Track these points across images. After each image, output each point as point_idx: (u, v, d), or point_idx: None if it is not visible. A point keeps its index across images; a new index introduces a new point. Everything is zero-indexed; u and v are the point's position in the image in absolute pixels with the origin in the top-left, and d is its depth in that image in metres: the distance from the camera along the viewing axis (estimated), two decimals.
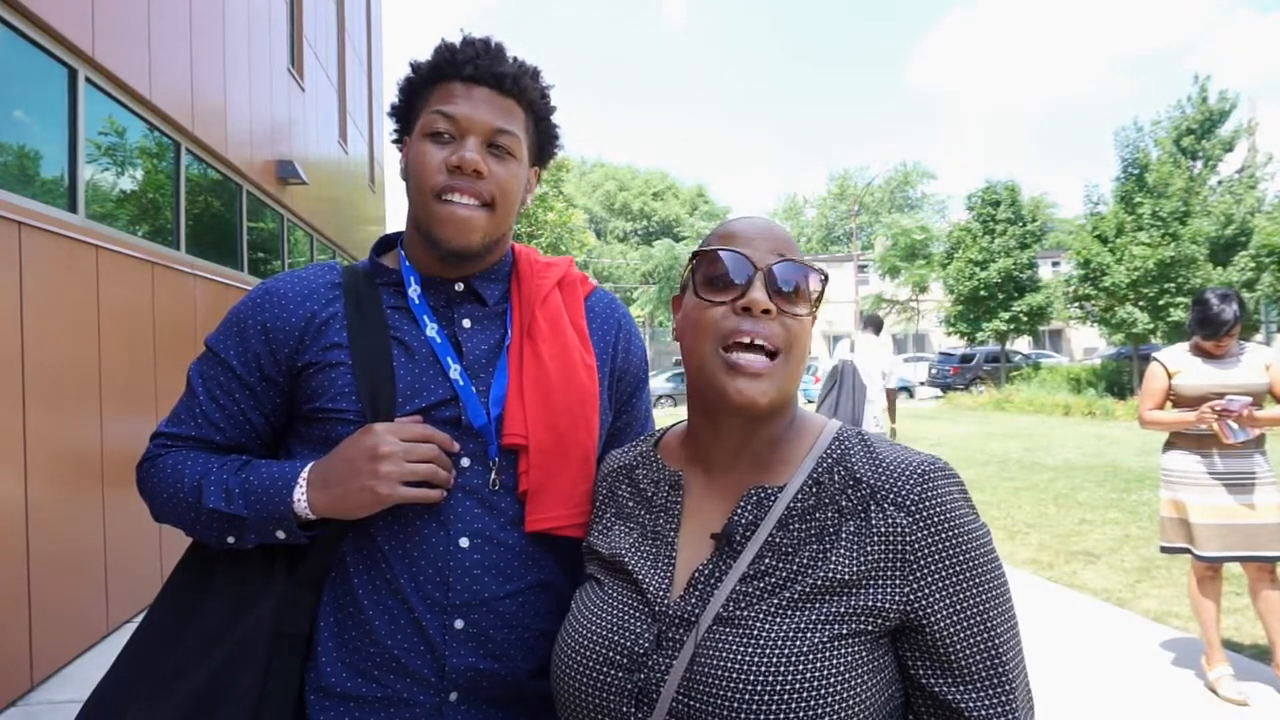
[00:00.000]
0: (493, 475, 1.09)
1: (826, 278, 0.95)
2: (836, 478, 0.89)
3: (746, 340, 0.88)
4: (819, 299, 0.94)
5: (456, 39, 1.14)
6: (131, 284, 4.94)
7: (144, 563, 4.98)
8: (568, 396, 1.13)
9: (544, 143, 1.21)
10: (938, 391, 27.78)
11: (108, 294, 4.58)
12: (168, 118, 5.50)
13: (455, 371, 1.10)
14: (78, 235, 4.29)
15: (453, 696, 1.05)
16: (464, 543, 1.06)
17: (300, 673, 1.06)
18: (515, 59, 1.14)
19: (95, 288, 4.47)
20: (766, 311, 0.88)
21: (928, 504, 0.85)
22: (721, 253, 0.92)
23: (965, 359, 27.84)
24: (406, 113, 1.16)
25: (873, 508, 0.86)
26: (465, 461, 1.08)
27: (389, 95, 1.22)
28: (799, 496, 0.89)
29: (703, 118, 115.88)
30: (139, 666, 1.07)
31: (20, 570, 3.73)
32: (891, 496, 0.85)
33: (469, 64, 1.09)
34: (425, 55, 1.14)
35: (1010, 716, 0.82)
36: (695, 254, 0.95)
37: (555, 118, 1.21)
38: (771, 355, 0.89)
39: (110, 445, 4.57)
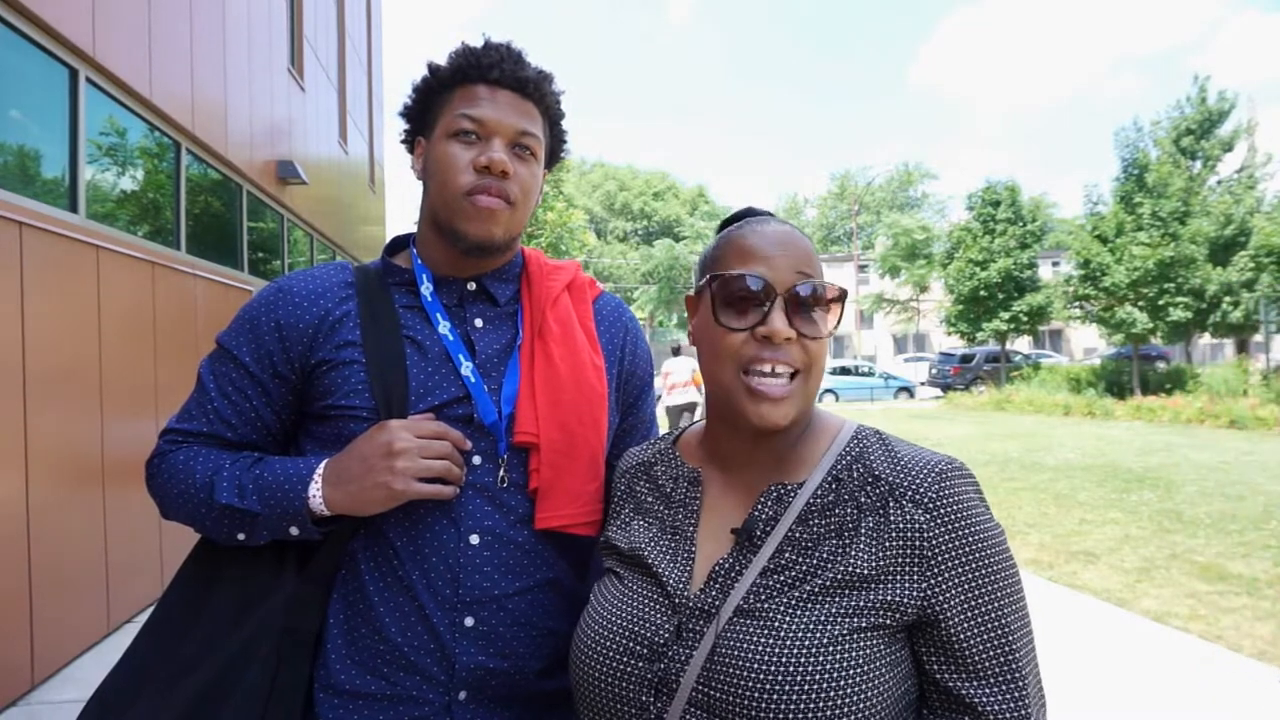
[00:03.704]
0: (501, 472, 1.10)
1: (845, 293, 0.95)
2: (855, 475, 0.90)
3: (767, 369, 0.89)
4: (839, 315, 0.94)
5: (474, 42, 1.15)
6: (132, 284, 4.94)
7: (145, 563, 4.98)
8: (578, 396, 1.14)
9: (555, 146, 1.23)
10: (938, 391, 27.79)
11: (108, 294, 4.58)
12: (168, 118, 5.50)
13: (467, 369, 1.10)
14: (78, 235, 4.29)
15: (462, 695, 1.06)
16: (474, 540, 1.07)
17: (309, 670, 1.06)
18: (534, 64, 1.16)
19: (96, 288, 4.46)
20: (787, 339, 0.89)
21: (945, 502, 0.86)
22: (739, 277, 0.91)
23: (965, 359, 27.83)
24: (422, 114, 1.17)
25: (891, 504, 0.87)
26: (476, 459, 1.09)
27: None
28: (818, 493, 0.90)
29: (704, 117, 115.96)
30: (147, 660, 1.07)
31: (21, 570, 3.73)
32: (910, 494, 0.87)
33: (494, 68, 1.11)
34: (441, 58, 1.15)
35: (1023, 711, 0.83)
36: (712, 275, 0.94)
37: (564, 123, 1.23)
38: (792, 374, 0.90)
39: (111, 445, 4.57)
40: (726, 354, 0.91)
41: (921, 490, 0.86)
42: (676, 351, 11.44)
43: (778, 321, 0.89)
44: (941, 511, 0.85)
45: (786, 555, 0.88)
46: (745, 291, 0.91)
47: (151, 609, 1.12)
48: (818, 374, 0.93)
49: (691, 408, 10.68)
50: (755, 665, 0.82)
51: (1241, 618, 4.54)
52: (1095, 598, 5.05)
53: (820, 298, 0.92)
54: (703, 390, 1.02)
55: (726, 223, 1.04)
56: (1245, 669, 3.81)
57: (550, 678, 1.10)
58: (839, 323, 0.94)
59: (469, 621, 1.05)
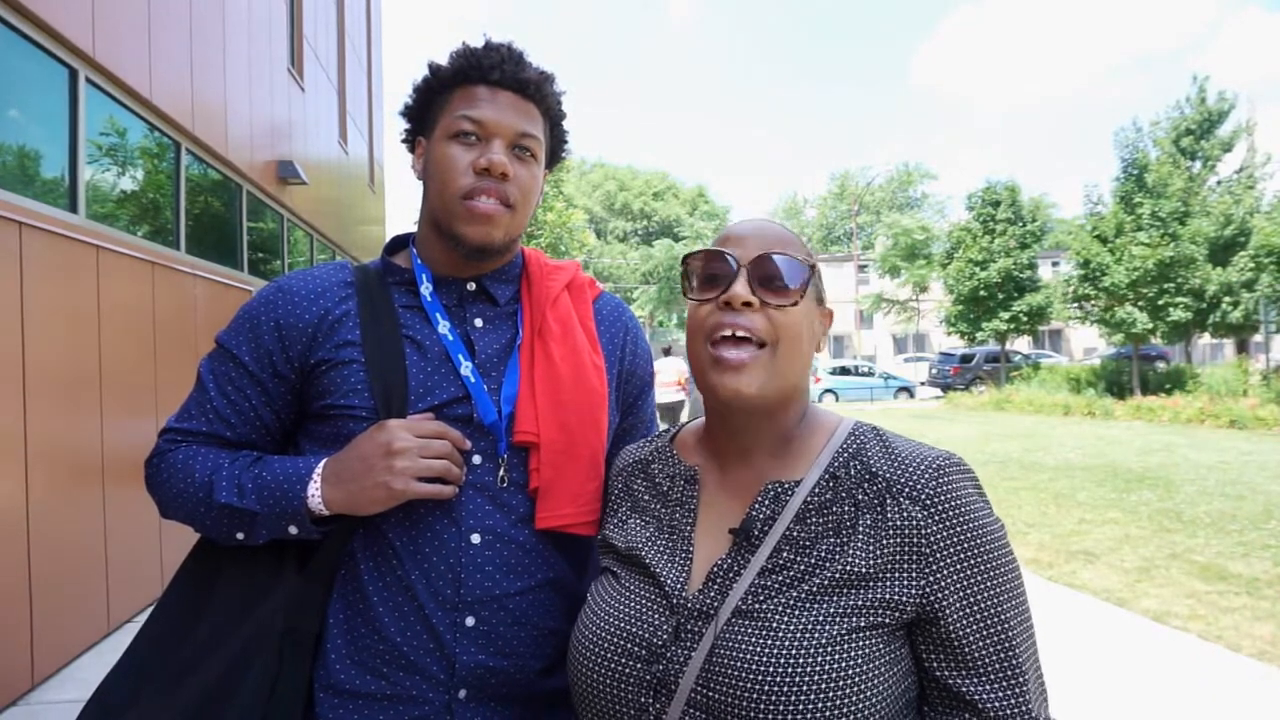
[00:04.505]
0: (501, 472, 1.10)
1: (814, 267, 0.95)
2: (853, 472, 0.90)
3: (730, 334, 0.90)
4: (806, 288, 0.94)
5: (475, 42, 1.15)
6: (132, 284, 4.94)
7: (145, 562, 4.98)
8: (578, 396, 1.14)
9: (555, 147, 1.23)
10: (938, 391, 27.80)
11: (108, 294, 4.58)
12: (168, 118, 5.50)
13: (467, 369, 1.10)
14: (78, 235, 4.29)
15: (462, 694, 1.06)
16: (475, 539, 1.07)
17: (310, 670, 1.06)
18: (535, 65, 1.16)
19: (95, 288, 4.47)
20: (748, 304, 0.90)
21: (943, 498, 0.86)
22: (708, 252, 0.95)
23: (965, 359, 27.84)
24: (422, 114, 1.17)
25: (889, 502, 0.86)
26: (476, 459, 1.09)
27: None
28: (816, 490, 0.90)
29: (704, 117, 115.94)
30: (147, 660, 1.07)
31: (21, 570, 3.73)
32: (907, 490, 0.86)
33: (495, 69, 1.11)
34: (443, 58, 1.16)
35: (1023, 708, 0.83)
36: (686, 256, 0.98)
37: (565, 123, 1.23)
38: (760, 346, 0.91)
39: (110, 445, 4.57)
40: (696, 325, 0.94)
41: (919, 487, 0.86)
42: (667, 352, 12.02)
43: (738, 286, 0.90)
44: (939, 508, 0.85)
45: (784, 554, 0.88)
46: (715, 267, 0.93)
47: (151, 609, 1.12)
48: (789, 348, 0.91)
49: (676, 407, 11.07)
50: (754, 667, 0.81)
51: (1241, 617, 4.54)
52: (1095, 597, 5.06)
53: (784, 270, 0.91)
54: (689, 391, 1.04)
55: None
56: (1245, 669, 3.81)
57: (551, 677, 1.10)
58: (804, 294, 0.93)
59: (470, 621, 1.05)
